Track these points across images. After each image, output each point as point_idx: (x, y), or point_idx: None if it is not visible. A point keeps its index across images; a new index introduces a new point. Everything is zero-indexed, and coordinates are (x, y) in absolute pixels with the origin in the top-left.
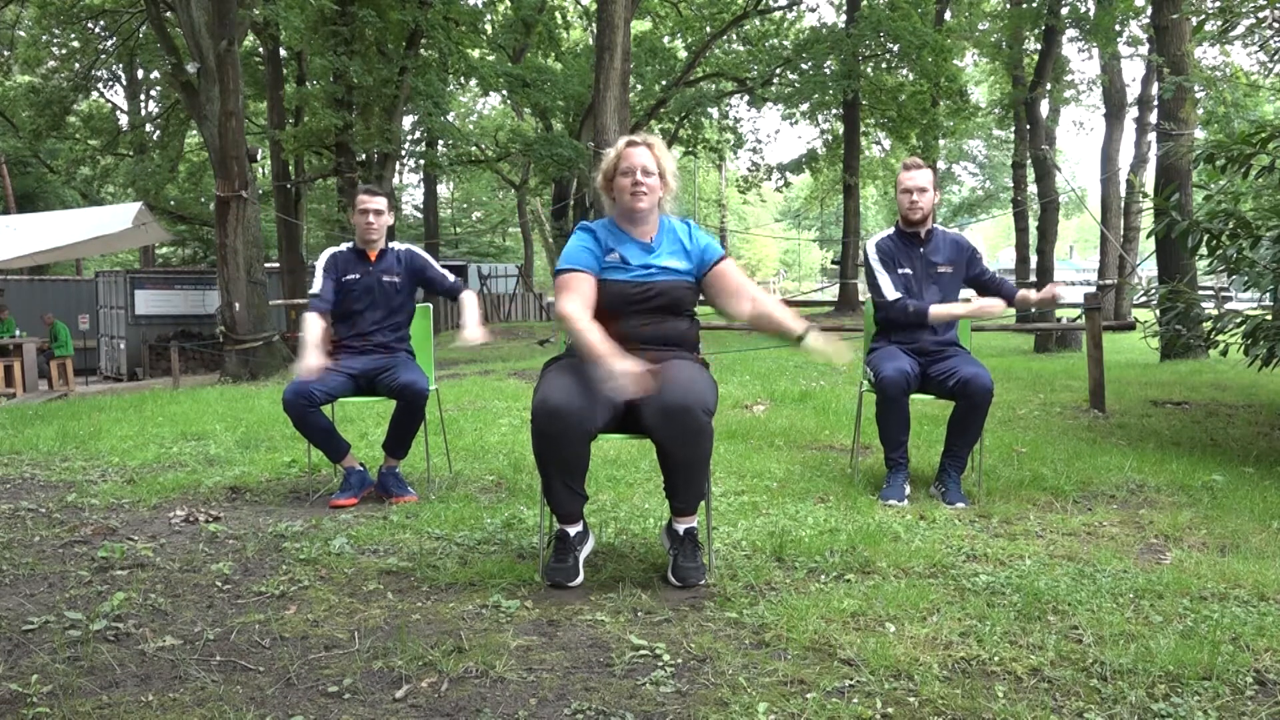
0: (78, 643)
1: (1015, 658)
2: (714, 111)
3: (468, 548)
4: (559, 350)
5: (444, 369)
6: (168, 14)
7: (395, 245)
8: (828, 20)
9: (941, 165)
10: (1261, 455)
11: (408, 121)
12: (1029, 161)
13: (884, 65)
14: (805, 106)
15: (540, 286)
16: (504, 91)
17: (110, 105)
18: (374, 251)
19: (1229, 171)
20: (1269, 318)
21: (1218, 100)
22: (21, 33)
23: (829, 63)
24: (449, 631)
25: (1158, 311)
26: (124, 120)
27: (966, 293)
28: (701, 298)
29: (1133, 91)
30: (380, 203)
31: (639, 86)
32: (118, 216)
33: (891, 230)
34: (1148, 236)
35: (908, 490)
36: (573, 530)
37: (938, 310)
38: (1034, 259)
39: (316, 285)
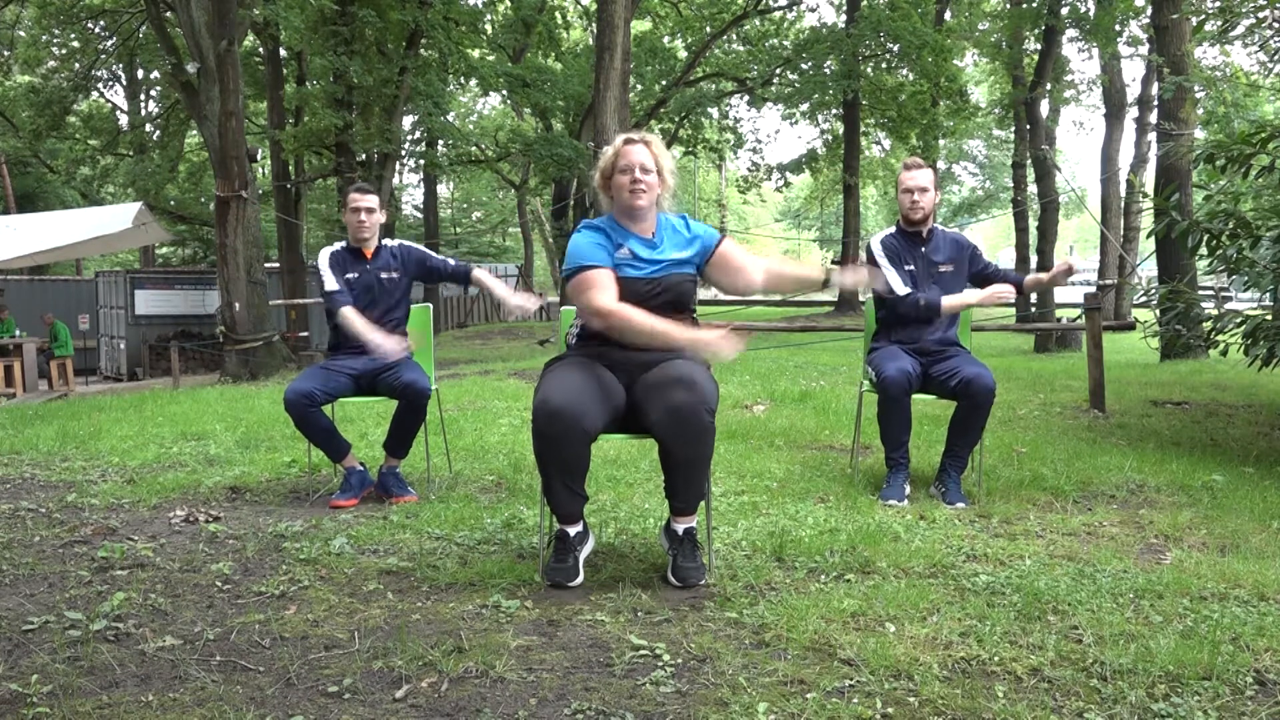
0: (78, 643)
1: (1015, 658)
2: (714, 111)
3: (468, 548)
4: (559, 350)
5: (444, 369)
6: (168, 14)
7: (388, 242)
8: (828, 20)
9: (941, 165)
10: (1261, 455)
11: (408, 121)
12: (1029, 161)
13: (884, 65)
14: (805, 106)
15: (540, 286)
16: (504, 91)
17: (110, 105)
18: (369, 250)
19: (1229, 171)
20: (1269, 318)
21: (1218, 100)
22: (21, 33)
23: (829, 63)
24: (449, 631)
25: (1158, 311)
26: (124, 120)
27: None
28: (713, 288)
29: (1133, 91)
30: (372, 201)
31: (639, 86)
32: (118, 216)
33: (893, 229)
34: (1148, 236)
35: (908, 490)
36: (573, 530)
37: (949, 301)
38: (1034, 259)
39: (331, 282)
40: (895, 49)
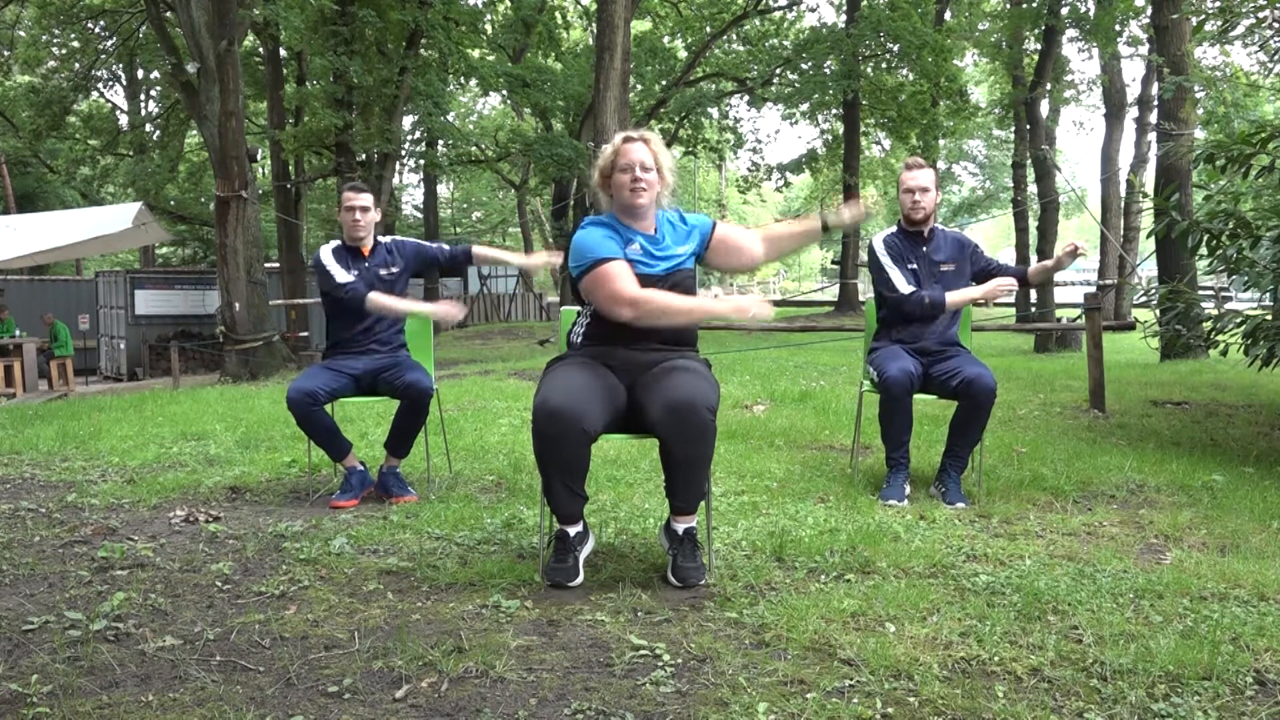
0: (78, 643)
1: (1015, 658)
2: (714, 111)
3: (468, 548)
4: (560, 350)
5: (444, 369)
6: (168, 14)
7: (383, 238)
8: (828, 20)
9: (941, 165)
10: (1261, 455)
11: (408, 121)
12: (1029, 161)
13: (884, 65)
14: (805, 106)
15: (540, 286)
16: (504, 91)
17: (110, 105)
18: (366, 248)
19: (1229, 171)
20: (1269, 318)
21: (1218, 100)
22: (21, 33)
23: (829, 63)
24: (449, 631)
25: (1158, 311)
26: (124, 120)
27: None
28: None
29: (1133, 91)
30: (366, 199)
31: (639, 86)
32: (118, 216)
33: (894, 229)
34: (1148, 236)
35: (908, 490)
36: (573, 530)
37: (954, 297)
38: (1034, 259)
39: (342, 274)
40: (895, 49)
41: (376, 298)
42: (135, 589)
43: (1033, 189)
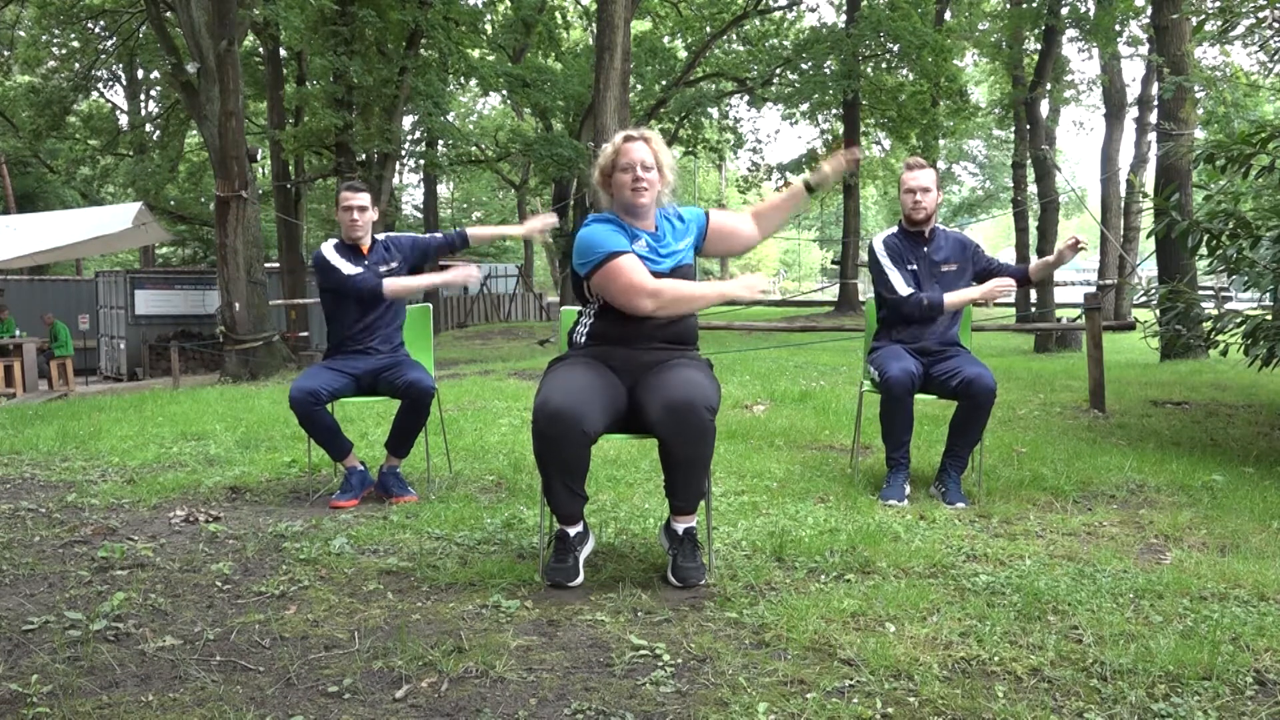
0: (78, 643)
1: (1015, 658)
2: (714, 111)
3: (468, 548)
4: (560, 350)
5: (444, 369)
6: (168, 14)
7: (378, 236)
8: (828, 20)
9: (941, 165)
10: (1261, 455)
11: (408, 121)
12: (1029, 161)
13: (884, 65)
14: (805, 106)
15: (540, 286)
16: (504, 91)
17: (110, 105)
18: (364, 246)
19: (1229, 171)
20: (1269, 318)
21: (1218, 100)
22: (21, 33)
23: (829, 63)
24: (449, 631)
25: (1158, 311)
26: (124, 120)
27: None
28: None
29: (1133, 91)
30: (364, 199)
31: (639, 86)
32: (118, 216)
33: (895, 229)
34: (1148, 236)
35: (908, 490)
36: (573, 531)
37: (952, 298)
38: (1034, 259)
39: (349, 268)
40: (895, 49)
41: (391, 283)
42: (135, 589)
43: (1033, 189)
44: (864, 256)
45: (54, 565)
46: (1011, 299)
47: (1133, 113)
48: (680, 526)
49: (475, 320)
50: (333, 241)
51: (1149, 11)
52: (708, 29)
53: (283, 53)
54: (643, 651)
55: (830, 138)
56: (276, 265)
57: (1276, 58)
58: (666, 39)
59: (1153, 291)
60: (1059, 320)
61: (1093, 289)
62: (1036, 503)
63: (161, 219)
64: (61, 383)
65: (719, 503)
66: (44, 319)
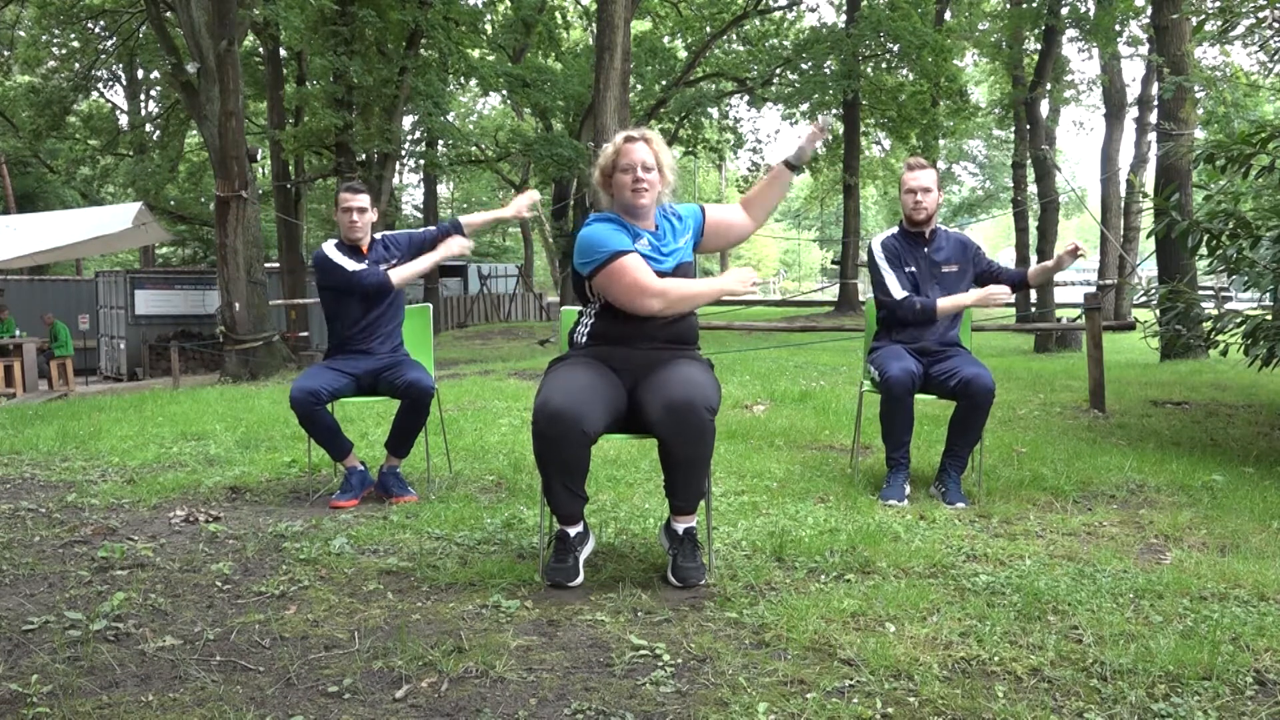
0: (78, 643)
1: (1015, 658)
2: (714, 111)
3: (468, 548)
4: (560, 350)
5: (444, 369)
6: (168, 14)
7: (375, 236)
8: (828, 20)
9: (942, 165)
10: (1261, 455)
11: (408, 121)
12: (1029, 161)
13: (884, 65)
14: (805, 106)
15: (540, 286)
16: (504, 91)
17: (110, 105)
18: (364, 247)
19: (1229, 171)
20: (1269, 318)
21: (1218, 100)
22: (21, 33)
23: (829, 63)
24: (449, 631)
25: (1158, 311)
26: (124, 120)
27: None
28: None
29: (1133, 91)
30: (363, 200)
31: (639, 86)
32: (118, 216)
33: (895, 230)
34: (1148, 236)
35: (908, 490)
36: (573, 531)
37: (945, 303)
38: (1034, 259)
39: (353, 264)
40: (895, 49)
41: (397, 272)
42: (135, 589)
43: (1033, 189)
44: (864, 256)
45: (54, 565)
46: (1012, 299)
47: (1133, 113)
48: (680, 526)
49: (475, 320)
50: (333, 241)
51: (1149, 11)
52: (708, 29)
53: (283, 53)
54: (643, 651)
55: (830, 137)
56: (276, 265)
57: (1276, 58)
58: (666, 39)
59: (1153, 291)
60: (1059, 320)
61: (1093, 289)
62: (1036, 503)
63: (161, 219)
64: (61, 383)
65: (719, 503)
66: (44, 319)
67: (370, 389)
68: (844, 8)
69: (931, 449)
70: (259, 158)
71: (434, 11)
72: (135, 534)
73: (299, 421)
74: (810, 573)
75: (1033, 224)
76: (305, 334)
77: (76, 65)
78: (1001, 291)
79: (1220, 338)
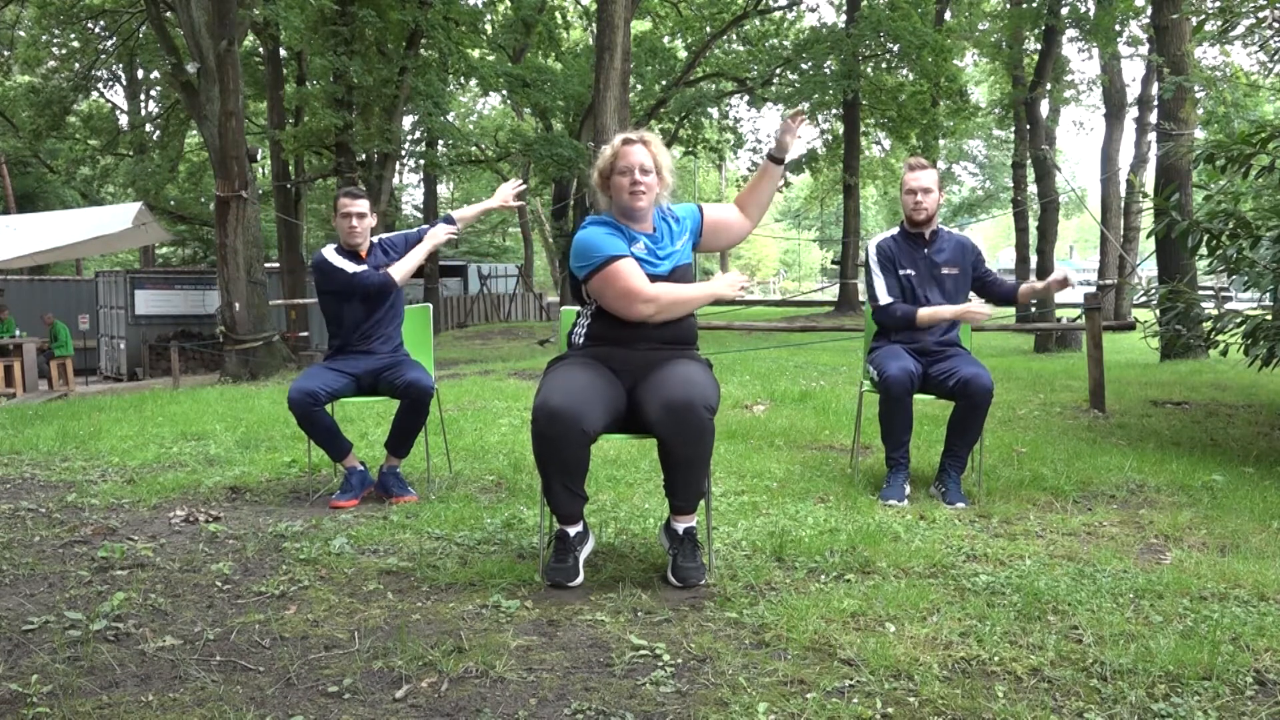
0: (78, 643)
1: (1015, 658)
2: (714, 111)
3: (468, 548)
4: (560, 350)
5: (444, 369)
6: (168, 14)
7: (372, 240)
8: (828, 20)
9: (942, 165)
10: (1261, 455)
11: (408, 121)
12: (1029, 161)
13: (884, 65)
14: (805, 106)
15: (540, 286)
16: (504, 91)
17: (110, 105)
18: (363, 251)
19: (1229, 171)
20: (1269, 318)
21: (1218, 100)
22: (21, 33)
23: (829, 63)
24: (449, 631)
25: (1158, 311)
26: (124, 120)
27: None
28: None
29: (1133, 91)
30: (362, 205)
31: (639, 86)
32: (118, 216)
33: (896, 230)
34: (1148, 236)
35: (908, 490)
36: (573, 530)
37: (924, 314)
38: (1034, 259)
39: (352, 266)
40: (895, 49)
41: (396, 269)
42: (135, 589)
43: (1033, 189)
44: (864, 256)
45: (54, 565)
46: (983, 319)
47: (1133, 113)
48: (680, 526)
49: (475, 320)
50: (332, 246)
51: (1149, 11)
52: (708, 29)
53: (283, 53)
54: (643, 651)
55: (830, 138)
56: (276, 265)
57: (1276, 58)
58: (666, 39)
59: (1153, 291)
60: (1059, 320)
61: (1093, 289)
62: (1036, 503)
63: (161, 219)
64: (61, 383)
65: (719, 503)
66: (44, 319)
67: (370, 389)
68: (844, 8)
69: (931, 449)
70: (259, 158)
71: (434, 11)
72: (135, 534)
73: (297, 422)
74: (810, 573)
75: (1033, 224)
76: (305, 334)
77: (76, 65)
78: (980, 311)
79: (1220, 338)
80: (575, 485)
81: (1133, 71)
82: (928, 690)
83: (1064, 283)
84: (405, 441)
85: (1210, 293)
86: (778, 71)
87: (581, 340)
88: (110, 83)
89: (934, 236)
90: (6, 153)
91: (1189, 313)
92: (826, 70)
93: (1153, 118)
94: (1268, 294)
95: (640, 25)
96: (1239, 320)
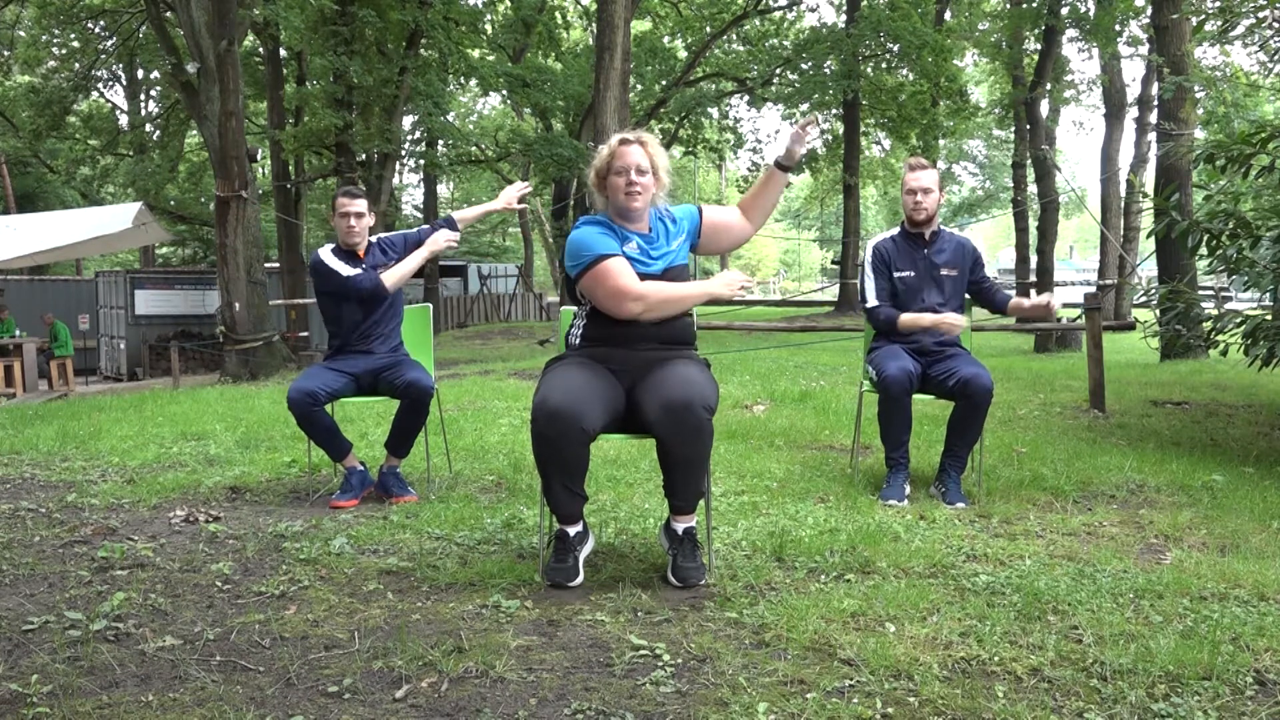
0: (78, 643)
1: (1015, 658)
2: (714, 111)
3: (468, 548)
4: (559, 350)
5: (444, 369)
6: (168, 14)
7: (371, 239)
8: (828, 20)
9: (942, 165)
10: (1261, 455)
11: (408, 121)
12: (1029, 161)
13: (884, 65)
14: (805, 106)
15: (540, 286)
16: (504, 91)
17: (110, 105)
18: (361, 251)
19: (1229, 171)
20: (1269, 318)
21: (1218, 100)
22: (21, 33)
23: (829, 63)
24: (449, 631)
25: (1158, 311)
26: (124, 120)
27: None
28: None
29: (1133, 91)
30: (361, 205)
31: (639, 86)
32: (118, 216)
33: (896, 230)
34: (1148, 236)
35: (908, 490)
36: (573, 530)
37: (905, 319)
38: (1034, 259)
39: (348, 269)
40: (895, 49)
41: (389, 275)
42: (135, 589)
43: (1033, 189)
44: (864, 257)
45: (54, 565)
46: (959, 330)
47: (1133, 113)
48: (680, 526)
49: (475, 320)
50: (330, 246)
51: (1149, 11)
52: (708, 29)
53: (283, 53)
54: (643, 651)
55: (830, 138)
56: (276, 265)
57: (1276, 58)
58: (666, 39)
59: (1153, 291)
60: (1059, 320)
61: (1093, 289)
62: (1036, 503)
63: (161, 219)
64: (61, 383)
65: (719, 503)
66: (44, 319)
67: (370, 389)
68: (844, 8)
69: (931, 449)
70: (259, 158)
71: (434, 11)
72: (135, 534)
73: (297, 422)
74: (810, 573)
75: (1033, 224)
76: (305, 334)
77: (76, 65)
78: (957, 321)
79: (1220, 338)
80: (575, 485)
81: (1133, 71)
82: (928, 690)
83: (1048, 308)
84: (405, 441)
85: (1210, 293)
86: (778, 71)
87: (578, 341)
88: (110, 83)
89: (934, 237)
90: (6, 153)
91: (1189, 313)
92: (826, 70)
93: (1153, 118)
94: (1268, 294)
95: (640, 25)
96: (1239, 320)
